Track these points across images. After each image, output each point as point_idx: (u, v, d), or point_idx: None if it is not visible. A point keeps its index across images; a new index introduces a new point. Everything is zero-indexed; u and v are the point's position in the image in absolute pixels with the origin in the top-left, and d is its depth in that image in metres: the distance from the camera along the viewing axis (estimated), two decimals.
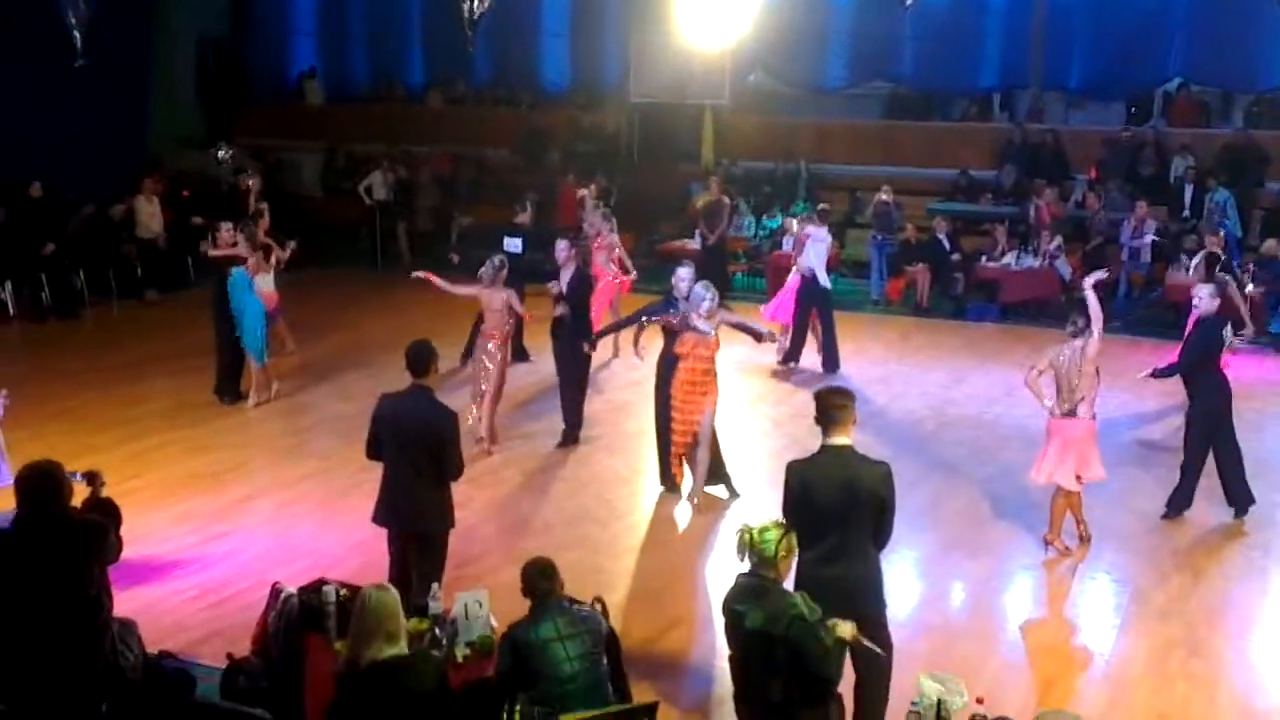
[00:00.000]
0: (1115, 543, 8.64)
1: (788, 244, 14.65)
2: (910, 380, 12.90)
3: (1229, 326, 9.87)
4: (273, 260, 12.29)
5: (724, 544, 8.16)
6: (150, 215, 16.39)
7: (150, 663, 5.96)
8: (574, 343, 10.31)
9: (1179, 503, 9.02)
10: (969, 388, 12.65)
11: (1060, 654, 7.27)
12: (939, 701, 5.02)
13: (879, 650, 5.32)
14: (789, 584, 5.10)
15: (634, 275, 13.87)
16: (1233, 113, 19.03)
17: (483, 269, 10.28)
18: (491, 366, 10.17)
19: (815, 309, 13.06)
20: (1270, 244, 14.54)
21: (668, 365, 9.22)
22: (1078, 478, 8.28)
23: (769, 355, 12.93)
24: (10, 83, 17.03)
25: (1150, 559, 8.44)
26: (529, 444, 10.54)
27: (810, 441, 5.87)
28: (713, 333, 9.00)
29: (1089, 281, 8.33)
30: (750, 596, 4.91)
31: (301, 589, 6.12)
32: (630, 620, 7.14)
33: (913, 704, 5.12)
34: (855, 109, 20.30)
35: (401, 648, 4.84)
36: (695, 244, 16.28)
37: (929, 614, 7.61)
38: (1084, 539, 8.51)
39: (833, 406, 5.62)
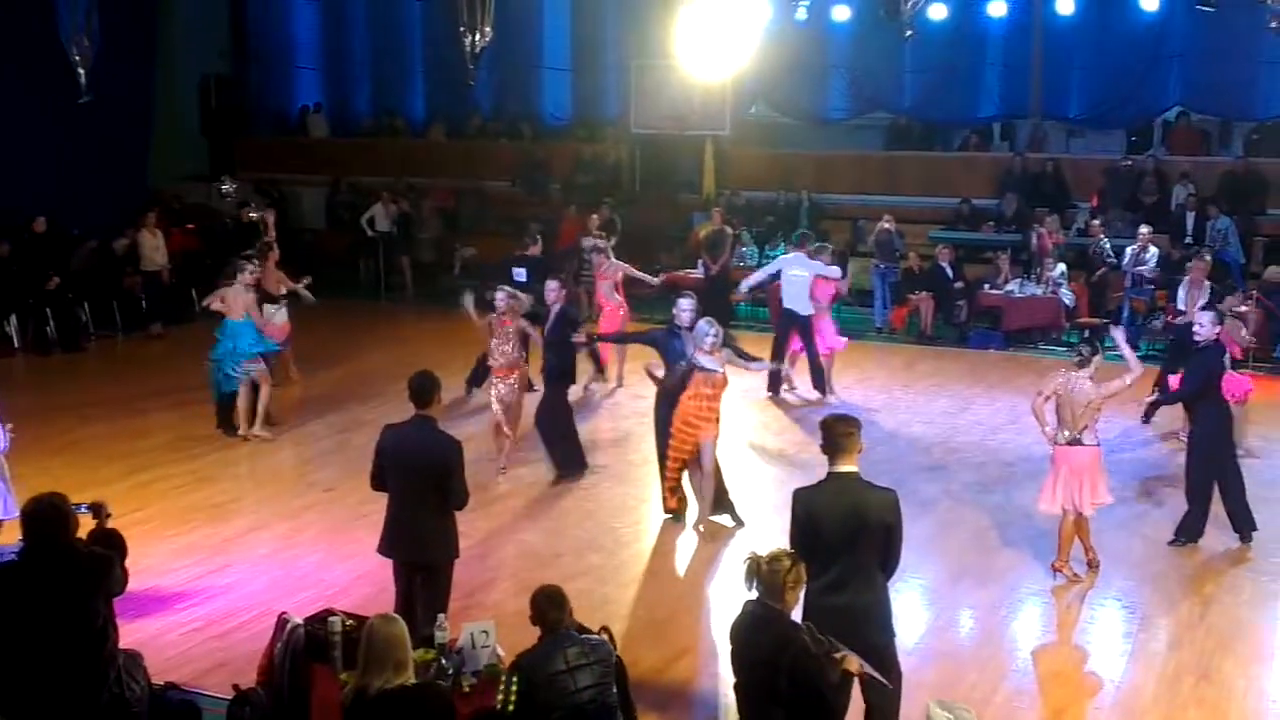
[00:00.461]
0: (1124, 569, 8.60)
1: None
2: (915, 408, 12.89)
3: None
4: (283, 290, 12.37)
5: (730, 572, 8.16)
6: (154, 248, 16.43)
7: (156, 694, 5.92)
8: (556, 389, 10.35)
9: (1191, 531, 8.92)
10: (974, 415, 12.64)
11: (1070, 681, 7.21)
12: None
13: (885, 682, 5.29)
14: (796, 614, 5.07)
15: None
16: (1232, 140, 19.11)
17: (498, 300, 10.28)
18: (510, 403, 10.30)
19: (797, 333, 12.98)
20: (1272, 270, 14.55)
21: (670, 397, 9.22)
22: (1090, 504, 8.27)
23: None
24: (15, 119, 17.16)
25: (1159, 585, 8.40)
26: (534, 472, 10.51)
27: (816, 469, 5.86)
28: (720, 370, 9.00)
29: (1120, 337, 8.80)
30: (756, 626, 4.89)
31: (307, 619, 6.09)
32: (637, 649, 7.09)
33: None
34: (856, 140, 20.40)
35: (409, 677, 4.83)
36: (699, 273, 16.32)
37: (938, 642, 7.57)
38: (1093, 565, 8.47)
39: (839, 434, 5.61)
